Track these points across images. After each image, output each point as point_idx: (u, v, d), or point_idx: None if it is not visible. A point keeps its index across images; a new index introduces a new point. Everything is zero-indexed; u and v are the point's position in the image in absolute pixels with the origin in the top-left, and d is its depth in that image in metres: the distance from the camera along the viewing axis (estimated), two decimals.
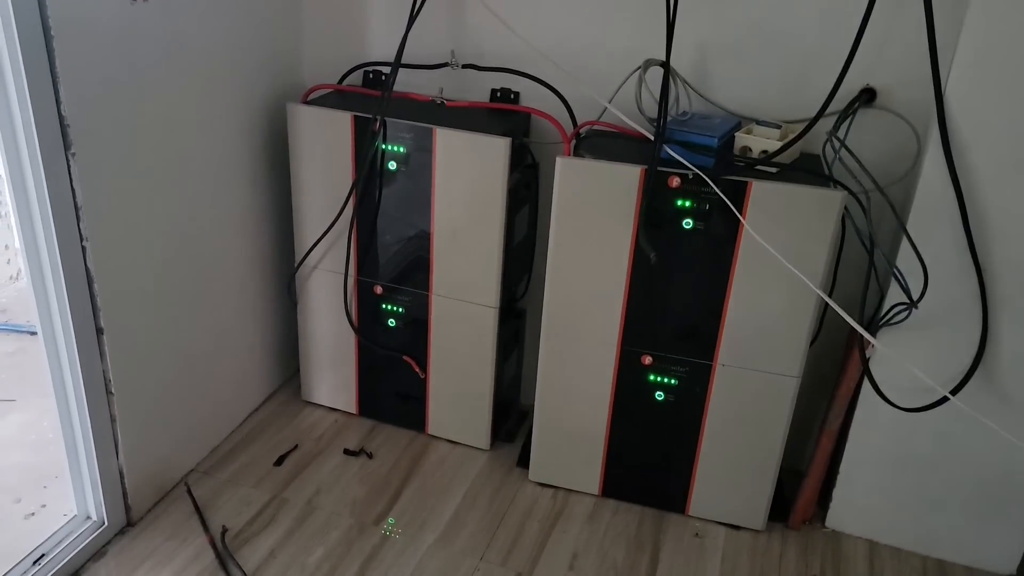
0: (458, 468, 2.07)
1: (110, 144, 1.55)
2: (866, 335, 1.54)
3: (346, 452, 2.10)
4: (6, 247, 2.80)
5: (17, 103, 1.38)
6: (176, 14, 1.64)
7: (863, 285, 1.64)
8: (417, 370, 2.08)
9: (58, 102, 1.42)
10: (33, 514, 1.84)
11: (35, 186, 1.44)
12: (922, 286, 1.58)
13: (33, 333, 1.95)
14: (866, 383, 1.72)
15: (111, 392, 1.68)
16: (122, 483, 1.77)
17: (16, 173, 1.44)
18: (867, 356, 1.68)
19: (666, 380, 1.82)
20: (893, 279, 1.62)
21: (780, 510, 1.92)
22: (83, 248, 1.54)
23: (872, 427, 1.79)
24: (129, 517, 1.81)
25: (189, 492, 1.91)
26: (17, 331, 2.60)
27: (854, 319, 1.51)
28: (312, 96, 1.99)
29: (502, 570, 1.77)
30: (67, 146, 1.45)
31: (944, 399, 1.61)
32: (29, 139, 1.40)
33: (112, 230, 1.59)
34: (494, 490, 2.00)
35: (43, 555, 1.66)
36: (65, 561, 1.67)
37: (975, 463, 1.75)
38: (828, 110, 1.58)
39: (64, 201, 1.48)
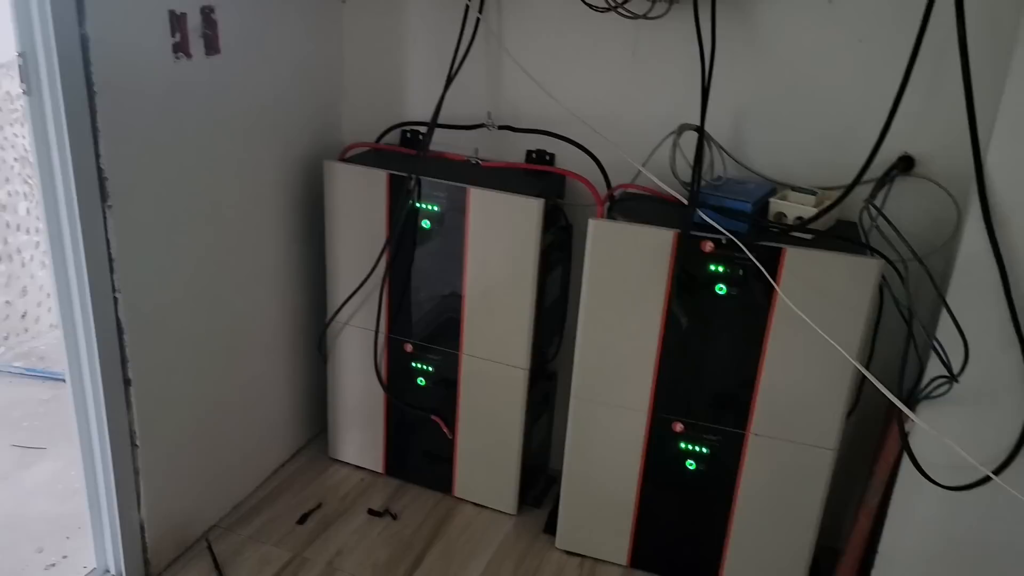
0: (483, 533, 2.03)
1: (147, 198, 1.58)
2: (904, 409, 1.49)
3: (370, 512, 2.06)
4: (48, 295, 2.85)
5: (58, 155, 1.42)
6: (219, 72, 1.69)
7: (902, 357, 1.59)
8: (445, 430, 2.06)
9: (97, 155, 1.45)
10: (54, 565, 1.83)
11: (71, 236, 1.47)
12: (963, 359, 1.53)
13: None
14: (906, 459, 1.66)
15: (136, 444, 1.68)
16: (143, 537, 1.76)
17: (54, 223, 1.47)
18: (906, 431, 1.62)
19: (698, 448, 1.77)
20: (933, 351, 1.57)
21: None
22: (115, 299, 1.56)
23: (913, 505, 1.71)
24: (148, 572, 1.79)
25: (209, 548, 1.89)
26: (53, 378, 2.64)
27: (892, 391, 1.46)
28: (350, 154, 2.02)
29: None
30: (104, 198, 1.48)
31: (986, 479, 1.54)
32: (67, 190, 1.43)
33: (145, 282, 1.61)
34: (519, 557, 1.95)
35: None
36: None
37: None
38: (865, 177, 1.55)
39: (99, 252, 1.51)
